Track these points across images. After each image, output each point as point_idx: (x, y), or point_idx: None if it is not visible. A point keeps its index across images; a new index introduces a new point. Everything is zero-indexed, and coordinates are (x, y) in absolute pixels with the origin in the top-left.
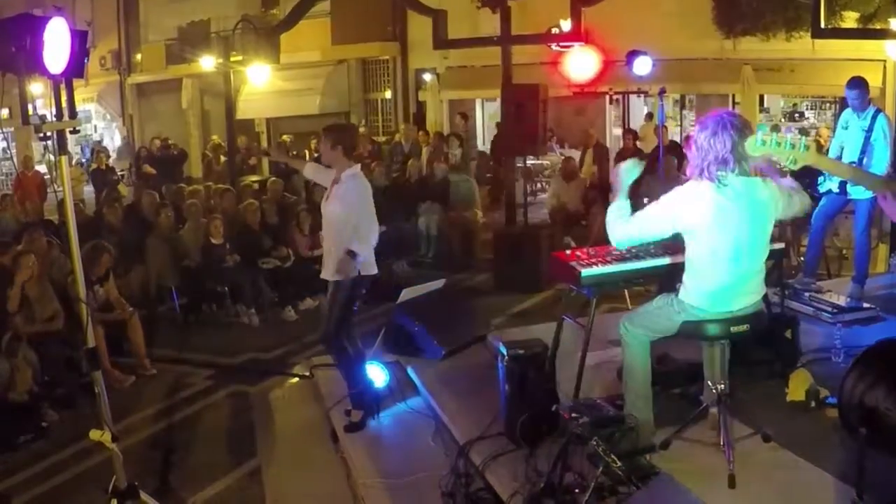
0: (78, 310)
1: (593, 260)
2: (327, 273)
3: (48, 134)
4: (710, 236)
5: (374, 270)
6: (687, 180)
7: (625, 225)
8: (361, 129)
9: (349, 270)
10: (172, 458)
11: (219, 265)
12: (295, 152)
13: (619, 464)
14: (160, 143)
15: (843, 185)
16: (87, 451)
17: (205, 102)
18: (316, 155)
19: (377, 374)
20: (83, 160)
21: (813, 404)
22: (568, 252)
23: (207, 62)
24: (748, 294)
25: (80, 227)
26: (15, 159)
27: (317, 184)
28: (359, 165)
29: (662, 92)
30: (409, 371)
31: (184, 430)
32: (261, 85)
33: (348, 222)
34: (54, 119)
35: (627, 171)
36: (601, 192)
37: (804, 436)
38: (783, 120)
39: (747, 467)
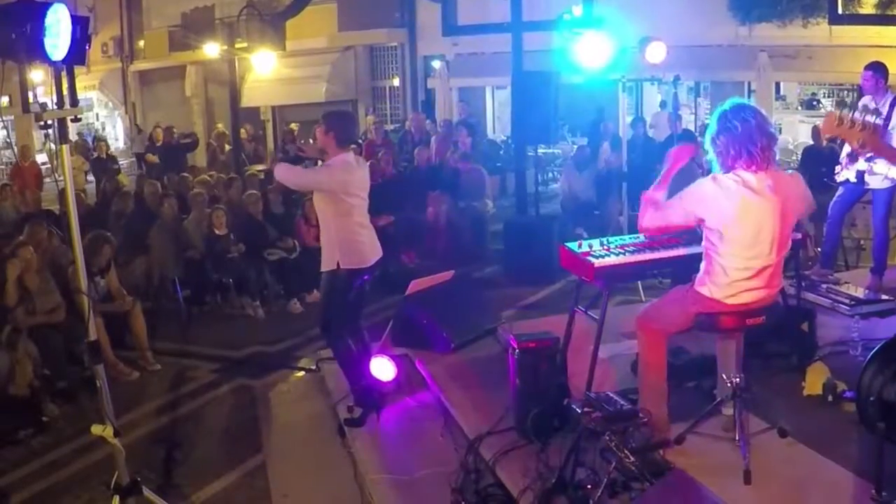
0: (79, 302)
1: (606, 251)
2: (323, 265)
3: (49, 122)
4: (734, 230)
5: (369, 262)
6: (701, 171)
7: (652, 213)
8: (369, 118)
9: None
10: (176, 453)
11: (222, 256)
12: (302, 141)
13: (632, 459)
14: (163, 130)
15: (860, 174)
16: (88, 446)
17: (209, 90)
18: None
19: (385, 368)
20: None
21: (830, 398)
22: (580, 243)
23: (212, 49)
24: (766, 288)
25: (81, 217)
26: (15, 148)
27: None
28: (350, 154)
29: (677, 79)
30: (418, 364)
31: (187, 425)
32: (266, 72)
33: (328, 210)
34: (55, 107)
35: (676, 157)
36: (615, 181)
37: (821, 431)
38: (799, 108)
39: (763, 463)
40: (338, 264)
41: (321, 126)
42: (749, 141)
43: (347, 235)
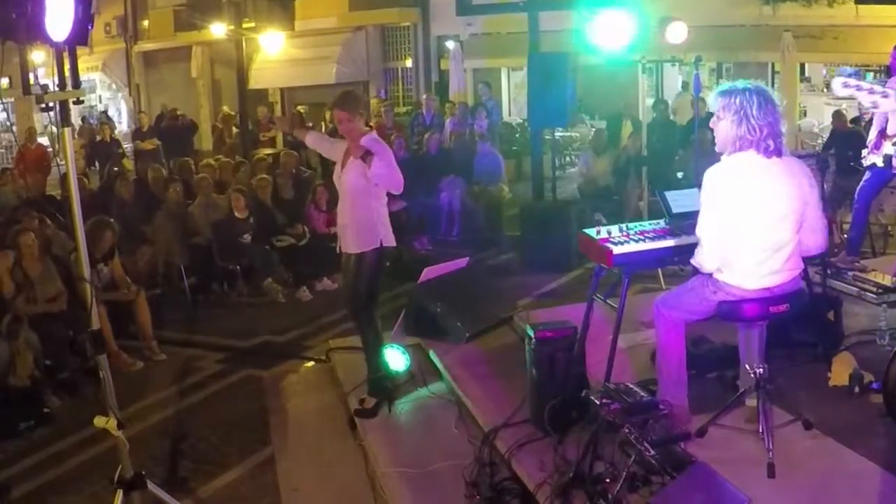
0: (81, 290)
1: (626, 238)
2: (348, 246)
3: (50, 105)
4: (747, 210)
5: (394, 242)
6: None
7: (701, 254)
8: (374, 100)
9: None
10: (181, 445)
11: (235, 241)
12: (311, 124)
13: (652, 452)
14: (158, 116)
15: (888, 158)
16: (91, 438)
17: (215, 71)
18: (331, 126)
19: (397, 358)
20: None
21: (857, 389)
22: (599, 229)
23: (218, 29)
24: (785, 271)
25: (84, 202)
26: (15, 131)
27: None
28: (374, 132)
29: (698, 60)
30: (431, 354)
31: (193, 417)
32: (274, 53)
33: (369, 189)
34: (57, 89)
35: None
36: (635, 165)
37: (847, 423)
38: (825, 90)
39: (788, 456)
40: (381, 242)
41: (347, 112)
42: (756, 125)
43: (384, 215)
